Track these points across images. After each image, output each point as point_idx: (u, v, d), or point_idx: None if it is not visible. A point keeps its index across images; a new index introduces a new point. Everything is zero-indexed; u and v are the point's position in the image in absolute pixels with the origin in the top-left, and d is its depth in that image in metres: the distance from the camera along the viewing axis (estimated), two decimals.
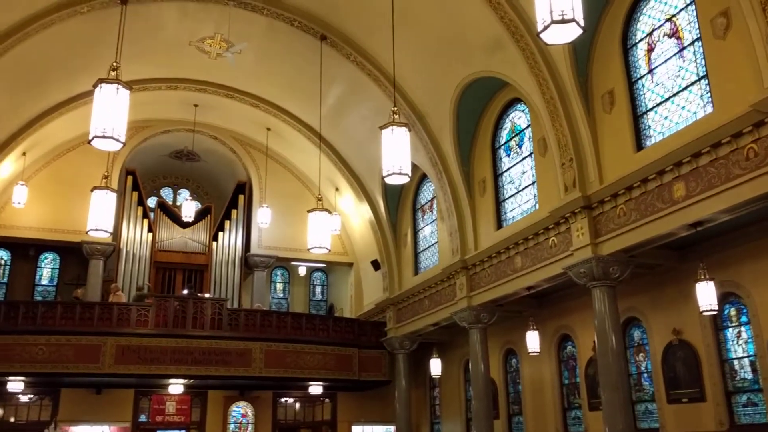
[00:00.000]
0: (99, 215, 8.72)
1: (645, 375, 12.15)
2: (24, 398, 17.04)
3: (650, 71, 10.77)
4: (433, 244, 17.75)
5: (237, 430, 18.77)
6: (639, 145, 10.72)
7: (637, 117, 10.89)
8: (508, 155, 14.72)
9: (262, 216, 18.81)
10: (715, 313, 10.07)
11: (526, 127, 14.13)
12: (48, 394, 17.18)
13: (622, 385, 10.47)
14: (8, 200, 17.92)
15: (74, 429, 16.44)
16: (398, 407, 18.17)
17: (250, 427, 18.89)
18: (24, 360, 15.12)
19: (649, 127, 10.70)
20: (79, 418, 16.96)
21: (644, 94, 10.88)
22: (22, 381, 15.79)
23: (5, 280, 20.12)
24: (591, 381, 13.09)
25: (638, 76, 11.01)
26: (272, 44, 16.04)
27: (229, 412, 18.76)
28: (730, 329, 10.69)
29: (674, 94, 10.25)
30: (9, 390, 16.05)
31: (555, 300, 14.42)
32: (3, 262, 20.25)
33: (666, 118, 10.39)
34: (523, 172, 14.12)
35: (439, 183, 15.88)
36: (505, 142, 14.85)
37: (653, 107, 10.65)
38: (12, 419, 17.06)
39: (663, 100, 10.47)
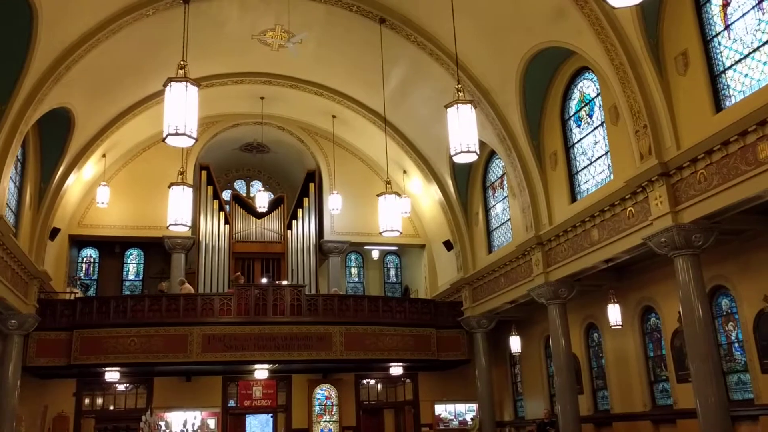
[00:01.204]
0: (178, 210, 9.03)
1: (736, 344, 11.67)
2: (121, 387, 18.02)
3: (726, 27, 10.21)
4: (505, 222, 17.53)
5: (322, 412, 19.22)
6: (718, 107, 10.21)
7: (714, 77, 10.35)
8: (579, 126, 14.33)
9: (333, 203, 19.04)
10: None
11: (596, 96, 13.70)
12: (142, 383, 18.09)
13: (711, 355, 10.11)
14: (92, 201, 18.80)
15: (169, 415, 17.22)
16: (479, 385, 18.16)
17: (334, 408, 19.30)
18: (118, 351, 15.97)
19: (728, 86, 10.17)
20: (172, 404, 17.77)
21: (721, 52, 10.32)
22: (118, 371, 16.66)
23: (96, 276, 21.19)
24: (678, 353, 12.69)
25: (713, 33, 10.45)
26: (332, 31, 16.11)
27: (313, 395, 19.23)
28: None
29: (754, 50, 9.69)
30: (107, 380, 16.97)
31: (635, 272, 14.01)
32: (92, 259, 21.31)
33: (746, 75, 9.85)
34: (596, 143, 13.72)
35: (508, 159, 15.63)
36: (575, 113, 14.45)
37: (731, 65, 10.10)
38: (111, 407, 18.07)
39: (742, 57, 9.92)
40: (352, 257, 23.73)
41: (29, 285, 15.31)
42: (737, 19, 10.01)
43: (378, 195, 10.92)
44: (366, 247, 22.42)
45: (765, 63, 9.52)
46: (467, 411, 19.49)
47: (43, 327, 15.93)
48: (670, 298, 12.61)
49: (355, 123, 19.93)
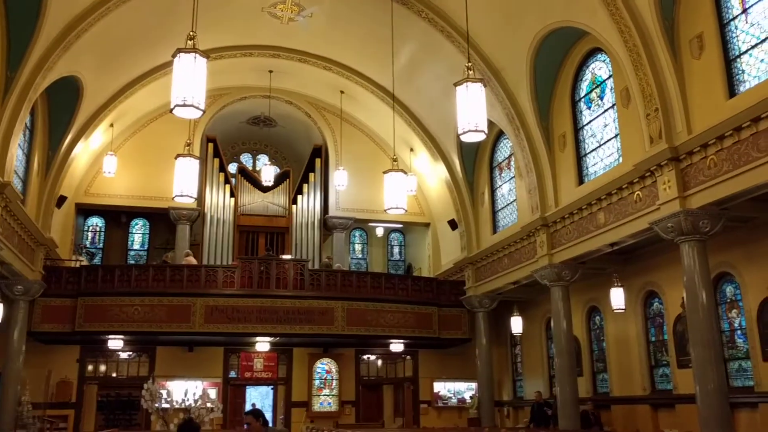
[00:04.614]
0: (183, 181, 9.02)
1: (738, 332, 11.67)
2: (124, 355, 18.20)
3: (744, 11, 10.05)
4: (511, 202, 17.49)
5: (322, 385, 19.40)
6: (731, 92, 10.09)
7: (729, 61, 10.22)
8: (589, 108, 14.21)
9: (339, 178, 19.00)
10: None
11: (608, 78, 13.56)
12: (145, 352, 18.27)
13: (713, 342, 10.12)
14: (99, 170, 18.80)
15: (170, 384, 17.38)
16: (479, 364, 18.25)
17: (334, 383, 19.46)
18: (121, 320, 16.12)
19: (743, 71, 10.04)
20: (174, 373, 17.93)
21: (737, 36, 10.17)
22: (121, 339, 16.80)
23: (101, 245, 21.30)
24: (680, 338, 12.71)
25: (730, 17, 10.29)
26: (343, 5, 15.94)
27: (314, 369, 19.38)
28: None
29: None
30: (110, 347, 17.14)
31: (640, 256, 13.97)
32: (98, 228, 21.39)
33: (762, 61, 9.71)
34: (605, 125, 13.61)
35: (516, 139, 15.53)
36: (586, 95, 14.32)
37: (747, 50, 9.97)
38: (114, 374, 18.27)
39: (759, 41, 9.77)
40: (357, 234, 23.76)
41: (35, 252, 15.41)
42: (755, 3, 9.85)
43: (384, 172, 10.88)
44: (370, 224, 22.43)
45: None
46: (466, 389, 19.63)
47: (48, 293, 16.09)
48: (674, 283, 12.59)
49: (364, 99, 19.81)
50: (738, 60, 10.12)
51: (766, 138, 8.99)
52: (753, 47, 9.87)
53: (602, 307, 15.30)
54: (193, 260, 17.89)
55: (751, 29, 9.93)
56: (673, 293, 13.01)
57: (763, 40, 9.70)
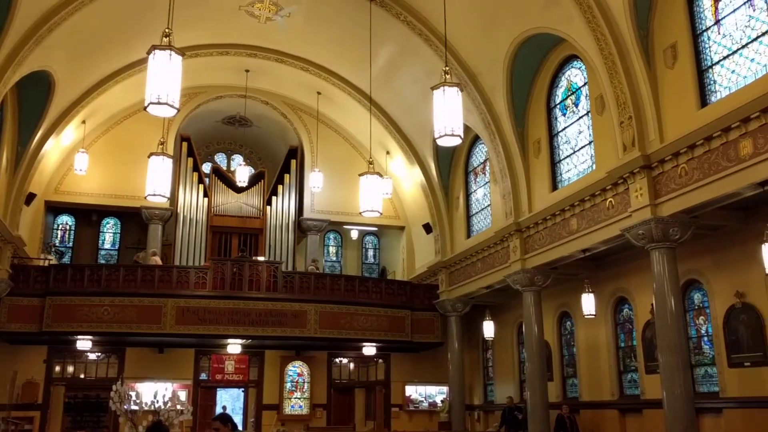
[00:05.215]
0: (156, 181, 8.89)
1: (705, 338, 11.85)
2: (92, 356, 17.91)
3: (717, 22, 10.23)
4: (485, 207, 17.57)
5: (293, 388, 19.29)
6: (703, 101, 10.26)
7: (701, 72, 10.39)
8: (564, 114, 14.34)
9: (314, 180, 18.92)
10: None
11: (583, 85, 13.70)
12: (114, 353, 18.01)
13: (680, 348, 10.27)
14: (70, 168, 18.49)
15: (139, 385, 17.12)
16: (451, 368, 18.30)
17: (306, 386, 19.37)
18: (90, 320, 15.87)
19: (715, 81, 10.22)
20: (143, 375, 17.68)
21: (710, 47, 10.36)
22: (90, 340, 16.54)
23: (71, 244, 20.93)
24: (648, 344, 12.86)
25: (704, 27, 10.47)
26: (321, 6, 15.90)
27: (285, 371, 19.26)
28: None
29: (743, 46, 9.74)
30: (79, 348, 16.85)
31: (612, 262, 14.13)
32: (68, 227, 21.02)
33: (733, 71, 9.90)
34: (580, 132, 13.75)
35: (492, 144, 15.62)
36: (561, 101, 14.46)
37: (719, 61, 10.15)
38: (82, 375, 17.97)
39: (730, 52, 9.96)
40: (331, 236, 23.68)
41: (3, 250, 15.11)
42: (728, 14, 10.04)
43: (360, 175, 10.85)
44: (345, 227, 22.37)
45: (752, 60, 9.57)
46: (438, 393, 19.66)
47: (15, 293, 15.78)
48: (644, 289, 12.76)
49: (340, 101, 19.77)
50: (710, 70, 10.30)
51: (735, 148, 9.16)
52: (725, 58, 10.06)
53: (573, 313, 15.44)
54: (158, 260, 17.69)
55: (723, 40, 10.11)
56: (642, 300, 13.17)
57: (735, 52, 9.89)
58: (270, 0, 15.79)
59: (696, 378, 11.78)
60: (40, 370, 17.25)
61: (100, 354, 17.93)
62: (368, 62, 15.27)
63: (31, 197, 16.92)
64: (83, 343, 16.55)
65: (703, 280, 11.82)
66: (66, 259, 20.26)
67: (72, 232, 21.05)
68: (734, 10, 9.92)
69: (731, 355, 11.08)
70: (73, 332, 16.03)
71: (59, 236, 20.80)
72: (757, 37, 9.49)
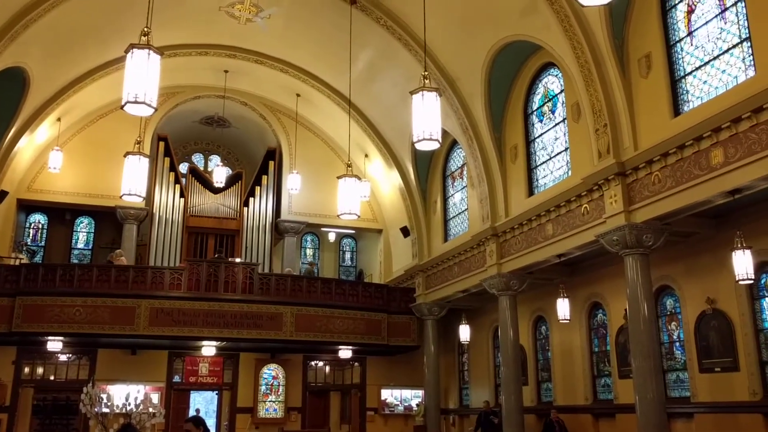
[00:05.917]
0: (132, 180, 8.81)
1: (677, 344, 12.05)
2: (63, 357, 17.60)
3: (689, 34, 10.43)
4: (463, 211, 17.67)
5: (268, 391, 19.16)
6: (676, 111, 10.45)
7: (674, 81, 10.58)
8: (541, 121, 14.49)
9: (292, 182, 18.88)
10: (752, 282, 9.91)
11: (560, 93, 13.86)
12: (86, 354, 17.72)
13: (653, 353, 10.42)
14: (44, 166, 18.23)
15: (111, 387, 16.90)
16: (427, 372, 18.34)
17: (281, 389, 19.26)
18: (62, 321, 15.61)
19: (687, 91, 10.41)
20: (115, 377, 17.42)
21: (683, 57, 10.55)
22: (61, 341, 16.28)
23: (43, 243, 20.61)
24: (622, 349, 13.03)
25: (677, 39, 10.67)
26: (302, 9, 15.89)
27: (260, 374, 19.13)
28: (767, 299, 10.50)
29: (714, 58, 9.94)
30: (49, 349, 16.56)
31: (586, 268, 14.29)
32: (41, 225, 20.71)
33: (705, 82, 10.09)
34: (556, 138, 13.90)
35: (469, 149, 15.72)
36: (538, 108, 14.60)
37: (692, 71, 10.34)
38: (52, 377, 17.67)
39: (702, 63, 10.16)
40: (308, 238, 23.62)
41: None
42: (700, 26, 10.23)
43: (338, 177, 10.85)
44: (323, 229, 22.34)
45: (724, 71, 9.76)
46: (413, 397, 19.69)
47: None
48: (618, 295, 12.93)
49: (320, 103, 19.76)
50: (683, 80, 10.49)
51: (707, 157, 9.33)
52: (697, 69, 10.25)
53: (548, 317, 15.58)
54: (124, 261, 17.49)
55: (696, 51, 10.31)
56: (616, 305, 13.34)
57: (707, 63, 10.08)
58: (250, 1, 15.75)
59: (668, 383, 11.96)
60: (8, 372, 16.92)
61: (71, 355, 17.64)
62: (348, 65, 15.28)
63: (2, 195, 16.66)
64: (54, 344, 16.28)
65: (675, 286, 12.02)
66: (38, 259, 19.94)
67: (44, 230, 20.74)
68: (706, 23, 10.12)
69: (702, 361, 11.28)
70: (44, 333, 15.76)
71: (31, 235, 20.47)
72: (728, 49, 9.69)
